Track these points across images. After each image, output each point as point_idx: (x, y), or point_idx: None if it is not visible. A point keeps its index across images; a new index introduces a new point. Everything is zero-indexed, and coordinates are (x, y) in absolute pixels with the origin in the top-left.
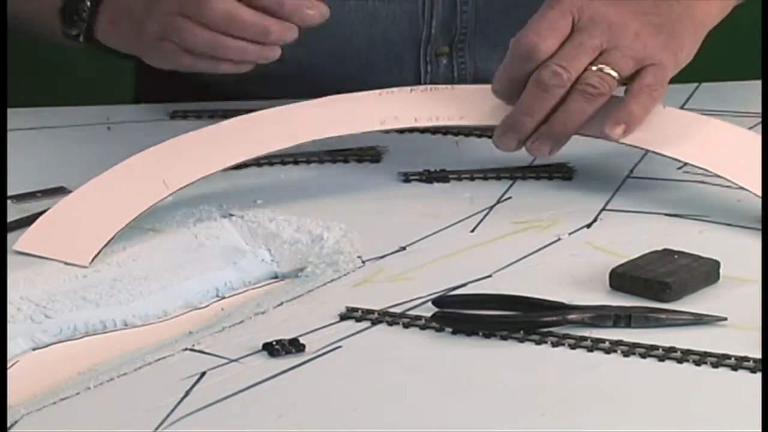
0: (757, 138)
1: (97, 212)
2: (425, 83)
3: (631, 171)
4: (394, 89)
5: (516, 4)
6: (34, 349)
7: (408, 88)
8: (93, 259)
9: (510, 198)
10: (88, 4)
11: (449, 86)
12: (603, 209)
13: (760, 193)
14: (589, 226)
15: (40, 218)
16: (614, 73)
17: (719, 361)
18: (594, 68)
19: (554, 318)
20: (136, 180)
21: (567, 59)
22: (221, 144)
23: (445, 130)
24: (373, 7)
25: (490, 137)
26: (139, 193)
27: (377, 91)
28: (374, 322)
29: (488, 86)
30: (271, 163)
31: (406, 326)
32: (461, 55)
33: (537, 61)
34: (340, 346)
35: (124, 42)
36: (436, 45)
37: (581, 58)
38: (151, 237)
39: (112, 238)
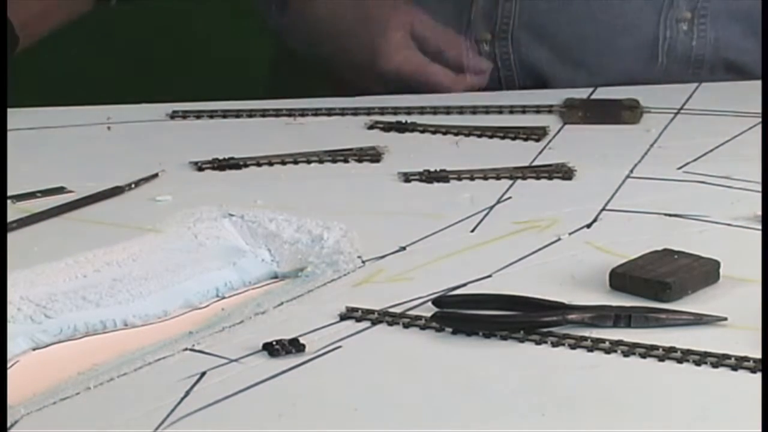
0: None
1: None
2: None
3: (631, 171)
4: None
5: None
6: (34, 349)
7: None
8: None
9: (510, 198)
10: None
11: None
12: (603, 209)
13: None
14: (589, 226)
15: None
16: None
17: (719, 361)
18: None
19: (554, 318)
20: None
21: None
22: None
23: (445, 130)
24: None
25: (490, 137)
26: None
27: None
28: (374, 322)
29: None
30: (270, 163)
31: (406, 326)
32: (504, 44)
33: None
34: (340, 346)
35: None
36: (476, 31)
37: None
38: (151, 237)
39: None
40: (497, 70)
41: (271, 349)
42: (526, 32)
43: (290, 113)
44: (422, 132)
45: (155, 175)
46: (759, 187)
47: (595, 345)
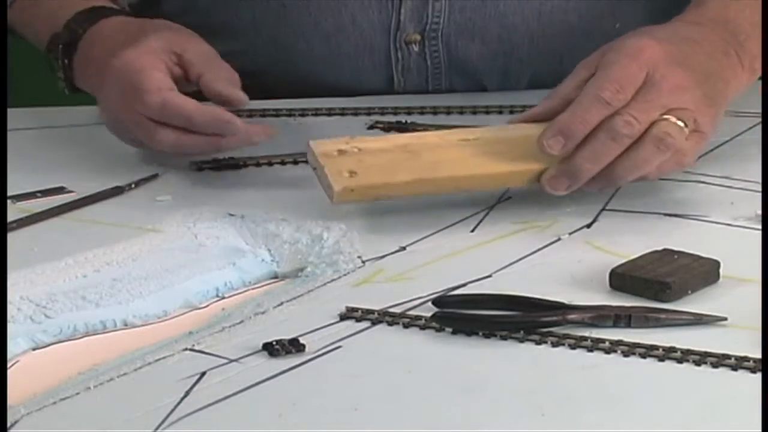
0: None
1: None
2: (397, 71)
3: None
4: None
5: None
6: (34, 349)
7: None
8: None
9: (510, 198)
10: (61, 63)
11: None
12: (603, 209)
13: None
14: (589, 226)
15: None
16: (683, 126)
17: (719, 361)
18: (668, 119)
19: (554, 318)
20: None
21: (638, 111)
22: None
23: None
24: None
25: None
26: None
27: None
28: (374, 322)
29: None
30: (270, 163)
31: (406, 326)
32: (434, 44)
33: (614, 109)
34: (340, 346)
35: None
36: (405, 32)
37: (651, 113)
38: (151, 237)
39: None
40: (426, 69)
41: (271, 349)
42: (457, 29)
43: (290, 113)
44: (422, 132)
45: (155, 175)
46: (759, 187)
47: (595, 345)
